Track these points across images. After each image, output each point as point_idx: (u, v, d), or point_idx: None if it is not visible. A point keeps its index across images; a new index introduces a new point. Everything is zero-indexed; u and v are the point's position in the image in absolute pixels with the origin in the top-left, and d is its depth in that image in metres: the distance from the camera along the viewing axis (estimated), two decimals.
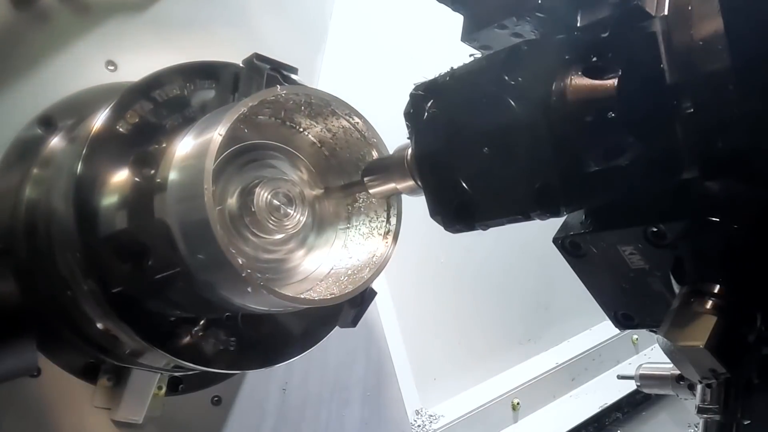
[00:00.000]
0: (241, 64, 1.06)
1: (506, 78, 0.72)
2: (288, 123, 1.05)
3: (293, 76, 1.09)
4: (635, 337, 2.35)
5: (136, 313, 0.94)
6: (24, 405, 1.08)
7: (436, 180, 0.84)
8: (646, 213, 0.71)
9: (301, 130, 1.07)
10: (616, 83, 0.64)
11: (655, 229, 0.70)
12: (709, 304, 0.64)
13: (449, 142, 0.80)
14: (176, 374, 1.20)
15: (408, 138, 0.88)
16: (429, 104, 0.81)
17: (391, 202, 1.05)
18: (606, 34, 0.67)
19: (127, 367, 1.14)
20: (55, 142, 1.14)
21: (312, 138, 1.08)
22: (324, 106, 1.00)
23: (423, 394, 1.76)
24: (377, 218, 1.07)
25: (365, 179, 0.99)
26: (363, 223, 1.08)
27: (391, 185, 0.95)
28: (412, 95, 0.84)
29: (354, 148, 1.06)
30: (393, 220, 1.05)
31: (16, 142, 1.14)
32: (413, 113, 0.84)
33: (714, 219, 0.66)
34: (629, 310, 0.82)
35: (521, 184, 0.72)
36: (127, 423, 1.15)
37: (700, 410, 0.70)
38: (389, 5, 1.88)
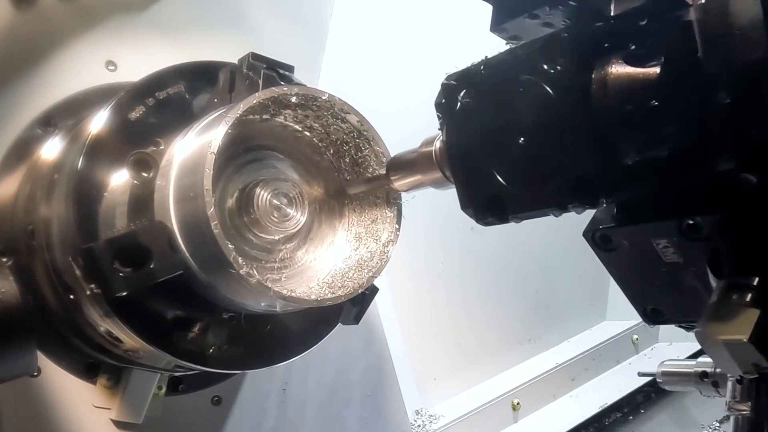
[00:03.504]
0: (237, 63, 1.06)
1: (545, 66, 0.71)
2: (287, 122, 1.05)
3: (290, 75, 1.09)
4: (635, 337, 2.35)
5: (137, 313, 0.94)
6: (24, 405, 1.08)
7: (468, 171, 0.82)
8: (681, 205, 0.70)
9: (300, 129, 1.07)
10: (658, 71, 0.63)
11: (690, 222, 0.68)
12: (749, 297, 0.62)
13: (482, 133, 0.79)
14: (176, 374, 1.20)
15: (439, 129, 0.87)
16: (461, 94, 0.80)
17: (392, 202, 1.05)
18: (644, 23, 0.66)
19: (127, 367, 1.14)
20: (55, 142, 1.14)
21: (311, 137, 1.08)
22: (322, 104, 1.00)
23: (423, 394, 1.76)
24: (377, 218, 1.07)
25: (391, 172, 0.98)
26: (363, 223, 1.08)
27: (417, 177, 0.94)
28: (443, 85, 0.82)
29: (353, 146, 1.06)
30: (394, 220, 1.05)
31: (16, 143, 1.14)
32: (445, 103, 0.82)
33: (751, 211, 0.65)
34: (660, 305, 0.80)
35: (558, 175, 0.71)
36: (127, 423, 1.15)
37: (731, 407, 0.69)
38: (389, 5, 1.88)
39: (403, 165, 0.97)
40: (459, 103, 0.80)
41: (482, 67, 0.78)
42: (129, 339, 0.98)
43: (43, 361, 1.10)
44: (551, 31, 0.76)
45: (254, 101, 0.93)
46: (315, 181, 1.10)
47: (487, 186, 0.79)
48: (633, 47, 0.66)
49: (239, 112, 0.90)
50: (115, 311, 0.93)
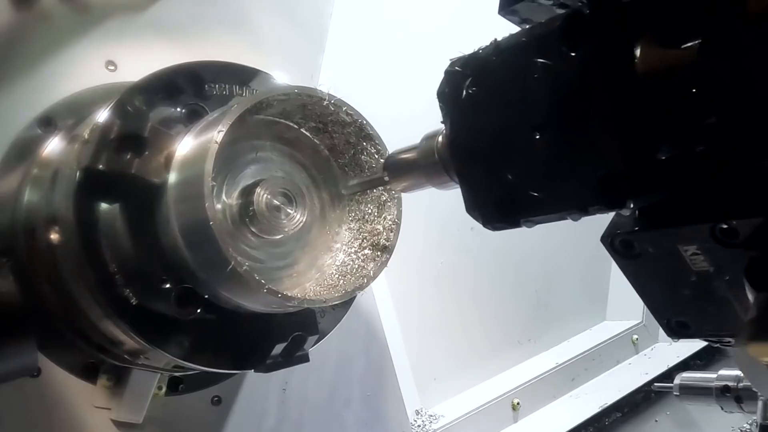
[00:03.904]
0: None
1: (564, 49, 0.61)
2: (287, 122, 1.06)
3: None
4: (635, 337, 2.35)
5: (136, 313, 0.94)
6: (24, 405, 1.08)
7: (475, 171, 0.73)
8: (715, 207, 0.61)
9: (300, 128, 1.07)
10: (697, 52, 0.55)
11: (725, 226, 0.60)
12: None
13: (492, 127, 0.70)
14: (176, 374, 1.20)
15: (441, 122, 0.77)
16: (468, 82, 0.71)
17: (391, 202, 1.05)
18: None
19: (127, 367, 1.14)
20: (55, 142, 1.14)
21: (311, 136, 1.08)
22: (321, 104, 1.00)
23: (423, 394, 1.76)
24: (377, 218, 1.07)
25: (387, 173, 0.90)
26: (363, 223, 1.08)
27: (418, 179, 0.85)
28: (447, 72, 0.73)
29: (354, 146, 1.06)
30: (394, 221, 1.05)
31: (16, 143, 1.14)
32: (448, 93, 0.73)
33: None
34: (686, 317, 0.72)
35: (580, 173, 0.63)
36: (127, 423, 1.15)
37: (764, 429, 0.64)
38: (389, 5, 1.88)
39: (401, 164, 0.88)
40: (465, 93, 0.71)
41: (492, 51, 0.69)
42: (128, 339, 0.98)
43: (43, 361, 1.10)
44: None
45: (254, 102, 0.93)
46: (315, 180, 1.10)
47: (497, 187, 0.70)
48: (668, 26, 0.57)
49: (240, 112, 0.91)
50: (113, 309, 0.93)
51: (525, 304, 2.16)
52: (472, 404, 1.83)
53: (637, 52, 0.59)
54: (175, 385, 1.23)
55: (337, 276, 1.04)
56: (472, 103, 0.71)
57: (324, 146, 1.09)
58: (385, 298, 1.66)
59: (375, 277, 1.01)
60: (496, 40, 0.69)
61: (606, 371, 2.23)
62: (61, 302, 1.06)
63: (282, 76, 1.16)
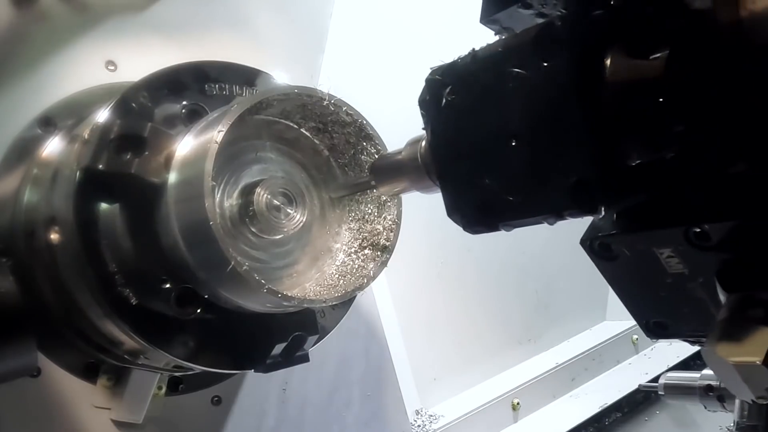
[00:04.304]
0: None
1: (537, 59, 0.64)
2: (287, 122, 1.05)
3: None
4: (635, 337, 2.35)
5: (137, 313, 0.94)
6: (24, 405, 1.08)
7: (455, 176, 0.76)
8: (688, 211, 0.63)
9: (300, 128, 1.07)
10: (664, 63, 0.57)
11: (698, 230, 0.62)
12: (762, 314, 0.56)
13: (471, 133, 0.72)
14: (176, 374, 1.20)
15: (423, 129, 0.80)
16: (447, 90, 0.73)
17: (390, 202, 1.05)
18: (648, 10, 0.59)
19: (127, 367, 1.14)
20: (55, 142, 1.14)
21: (311, 136, 1.08)
22: (320, 104, 1.00)
23: (423, 394, 1.76)
24: (377, 218, 1.07)
25: (373, 177, 0.93)
26: (363, 223, 1.08)
27: (402, 183, 0.88)
28: (428, 80, 0.75)
29: (353, 146, 1.06)
30: (394, 221, 1.05)
31: (16, 143, 1.14)
32: (429, 101, 0.75)
33: (766, 219, 0.58)
34: (663, 318, 0.74)
35: (554, 179, 0.65)
36: (127, 423, 1.15)
37: (740, 427, 0.65)
38: (389, 5, 1.88)
39: (387, 168, 0.90)
40: (444, 101, 0.73)
41: (470, 61, 0.71)
42: (128, 339, 0.98)
43: (43, 361, 1.10)
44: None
45: (254, 102, 0.93)
46: (315, 180, 1.10)
47: (476, 192, 0.73)
48: (637, 37, 0.59)
49: (240, 112, 0.91)
50: (113, 309, 0.93)
51: (525, 304, 2.16)
52: (472, 404, 1.84)
53: (608, 62, 0.61)
54: (175, 385, 1.23)
55: (337, 276, 1.04)
56: (451, 110, 0.73)
57: (324, 146, 1.09)
58: (385, 298, 1.67)
59: (375, 277, 1.01)
60: (474, 49, 0.71)
61: (606, 371, 2.24)
62: (61, 302, 1.06)
63: (282, 75, 1.16)
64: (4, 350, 0.95)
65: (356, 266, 1.04)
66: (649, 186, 0.63)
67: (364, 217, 1.09)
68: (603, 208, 0.64)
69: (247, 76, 1.10)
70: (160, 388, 1.18)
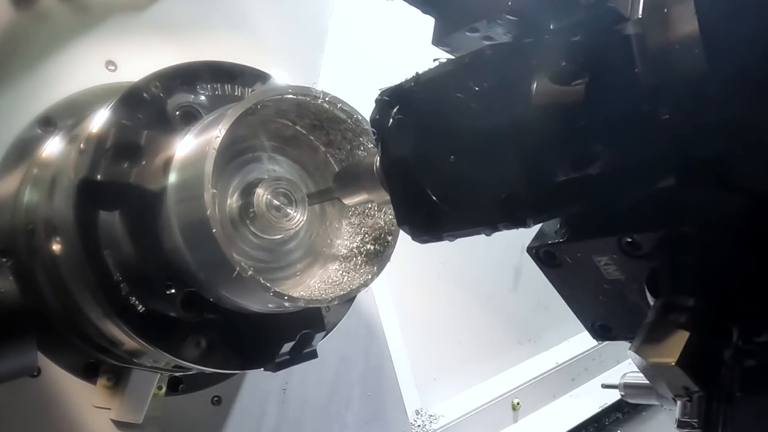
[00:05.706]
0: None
1: (471, 84, 0.69)
2: (286, 122, 1.06)
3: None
4: None
5: (144, 320, 0.95)
6: (24, 405, 1.08)
7: (404, 189, 0.80)
8: (621, 222, 0.69)
9: (299, 128, 1.07)
10: (583, 89, 0.61)
11: (629, 240, 0.68)
12: (682, 319, 0.61)
13: (415, 150, 0.77)
14: (176, 374, 1.20)
15: (373, 146, 0.86)
16: (395, 110, 0.78)
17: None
18: (577, 38, 0.63)
19: (127, 367, 1.14)
20: (55, 142, 1.14)
21: (310, 136, 1.08)
22: (315, 101, 1.00)
23: (423, 394, 1.76)
24: (378, 212, 1.07)
25: (336, 185, 0.97)
26: (363, 223, 1.08)
27: (362, 193, 0.93)
28: (377, 101, 0.80)
29: (353, 146, 1.06)
30: (394, 220, 1.05)
31: (16, 143, 1.14)
32: (379, 119, 0.80)
33: (689, 229, 0.64)
34: (606, 321, 0.80)
35: (487, 193, 0.70)
36: (127, 423, 1.15)
37: (680, 424, 0.67)
38: (389, 5, 1.88)
39: (348, 178, 0.95)
40: (392, 120, 0.78)
41: (413, 84, 0.77)
42: (128, 339, 0.98)
43: (43, 361, 1.10)
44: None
45: (254, 102, 0.93)
46: (314, 178, 1.10)
47: (422, 204, 0.77)
48: (564, 64, 0.64)
49: (240, 112, 0.91)
50: (113, 308, 0.93)
51: (525, 304, 2.16)
52: (472, 404, 1.84)
53: (534, 87, 0.65)
54: (175, 385, 1.23)
55: (341, 273, 1.05)
56: (398, 128, 0.78)
57: (320, 143, 1.09)
58: (385, 298, 1.67)
59: (379, 272, 1.01)
60: (417, 73, 0.77)
61: (606, 371, 2.23)
62: (61, 302, 1.06)
63: (282, 75, 1.16)
64: (4, 350, 0.95)
65: (360, 262, 1.04)
66: (578, 200, 0.67)
67: (364, 212, 1.09)
68: (531, 222, 0.69)
69: (247, 77, 1.10)
70: (160, 388, 1.18)
